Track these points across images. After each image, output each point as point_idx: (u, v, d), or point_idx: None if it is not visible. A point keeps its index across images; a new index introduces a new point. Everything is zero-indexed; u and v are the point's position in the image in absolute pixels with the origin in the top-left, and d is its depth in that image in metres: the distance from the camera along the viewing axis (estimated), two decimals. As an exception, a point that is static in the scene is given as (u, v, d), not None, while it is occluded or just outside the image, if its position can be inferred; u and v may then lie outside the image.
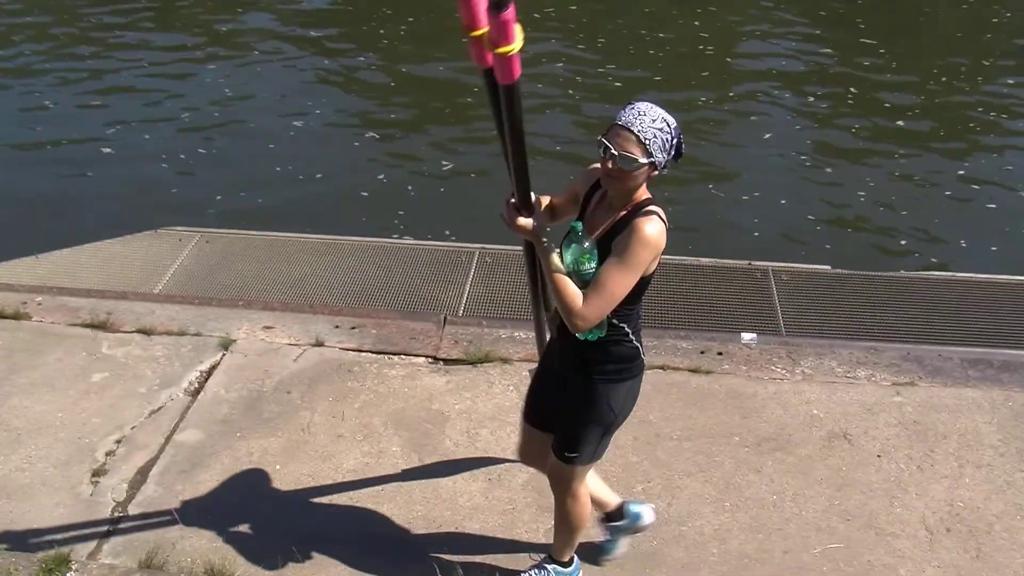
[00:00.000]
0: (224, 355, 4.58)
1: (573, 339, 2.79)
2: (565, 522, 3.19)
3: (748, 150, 8.19)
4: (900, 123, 8.82)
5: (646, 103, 2.53)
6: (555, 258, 2.63)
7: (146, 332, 4.74)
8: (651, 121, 2.46)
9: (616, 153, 2.47)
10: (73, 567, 3.32)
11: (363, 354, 4.64)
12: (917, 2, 12.04)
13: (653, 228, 2.53)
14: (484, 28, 2.18)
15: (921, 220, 7.21)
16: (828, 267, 5.79)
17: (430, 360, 4.60)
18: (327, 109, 8.93)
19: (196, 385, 4.39)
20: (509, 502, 3.77)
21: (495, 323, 4.84)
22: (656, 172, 2.55)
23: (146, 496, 3.79)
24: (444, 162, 7.96)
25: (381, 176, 7.62)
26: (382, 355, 4.63)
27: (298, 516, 3.70)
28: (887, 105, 9.12)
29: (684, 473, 3.92)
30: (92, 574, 3.30)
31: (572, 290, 2.58)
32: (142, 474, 3.89)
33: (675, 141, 2.53)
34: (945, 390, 4.43)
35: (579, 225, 2.74)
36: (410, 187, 7.45)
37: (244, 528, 3.64)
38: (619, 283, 2.55)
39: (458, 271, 5.52)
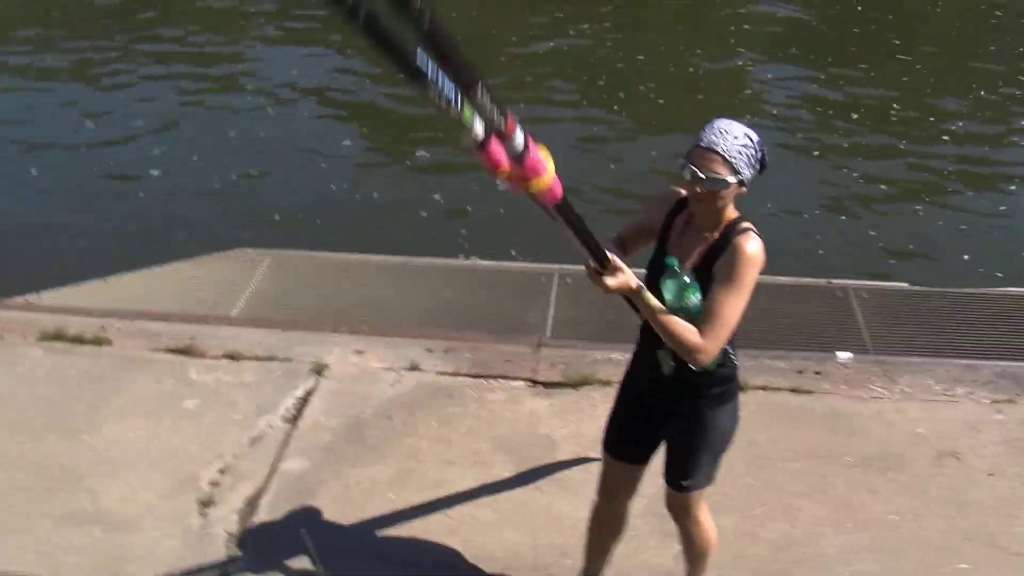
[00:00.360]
0: (318, 381, 4.47)
1: (677, 371, 2.70)
2: (693, 549, 3.13)
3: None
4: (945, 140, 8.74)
5: (725, 119, 2.46)
6: (655, 301, 2.52)
7: (233, 357, 4.63)
8: (734, 138, 2.41)
9: (704, 176, 2.41)
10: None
11: (460, 378, 4.54)
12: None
13: (755, 246, 2.47)
14: (507, 168, 2.02)
15: (981, 236, 7.16)
16: (906, 284, 5.71)
17: (529, 384, 4.51)
18: (375, 128, 8.83)
19: (293, 412, 4.28)
20: (632, 528, 3.66)
21: (590, 345, 4.74)
22: (743, 189, 2.48)
23: (258, 527, 3.67)
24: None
25: (436, 196, 7.51)
26: (480, 379, 4.53)
27: (417, 547, 3.59)
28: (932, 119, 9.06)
29: (799, 494, 3.84)
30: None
31: (684, 328, 2.48)
32: (251, 504, 3.78)
33: (760, 155, 2.48)
34: (1045, 407, 4.35)
35: (674, 261, 2.63)
36: (469, 206, 7.34)
37: (362, 561, 3.53)
38: (734, 309, 2.47)
39: (539, 293, 5.42)
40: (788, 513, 3.74)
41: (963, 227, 7.35)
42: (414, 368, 4.58)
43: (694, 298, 2.56)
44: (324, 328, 4.89)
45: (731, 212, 2.54)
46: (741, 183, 2.44)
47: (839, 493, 3.85)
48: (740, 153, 2.39)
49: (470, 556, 3.53)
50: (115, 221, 7.07)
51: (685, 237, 2.62)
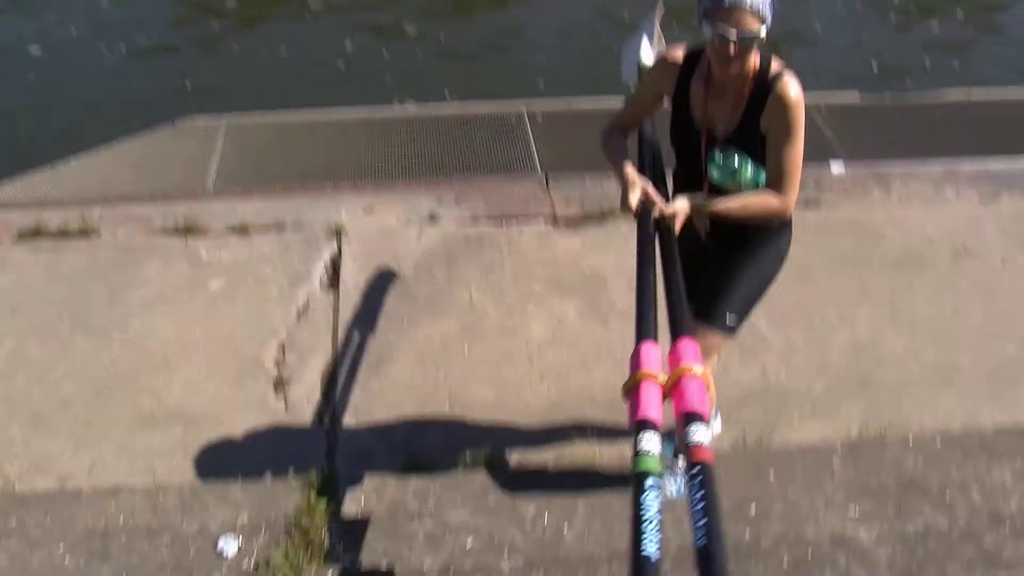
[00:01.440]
0: (340, 243, 4.26)
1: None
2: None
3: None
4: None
5: None
6: (722, 204, 2.49)
7: (241, 231, 4.33)
8: None
9: (736, 38, 2.23)
10: (339, 485, 3.06)
11: (482, 224, 4.43)
12: None
13: (796, 89, 2.38)
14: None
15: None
16: (858, 92, 5.90)
17: (551, 222, 4.44)
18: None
19: (329, 277, 4.07)
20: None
21: (595, 176, 4.67)
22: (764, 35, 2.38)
23: (346, 399, 3.52)
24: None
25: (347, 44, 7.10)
26: (501, 223, 4.43)
27: (513, 396, 3.55)
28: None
29: (851, 301, 4.02)
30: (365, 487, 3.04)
31: (760, 202, 2.49)
32: (328, 378, 3.61)
33: None
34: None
35: (718, 155, 2.53)
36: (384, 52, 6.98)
37: (467, 415, 3.46)
38: (798, 155, 2.44)
39: (512, 131, 5.28)
40: (847, 319, 3.92)
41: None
42: (433, 219, 4.43)
43: (748, 170, 2.51)
44: (324, 189, 4.63)
45: (756, 60, 2.40)
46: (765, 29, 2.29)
47: (884, 295, 4.06)
48: (764, 1, 2.24)
49: (571, 401, 3.52)
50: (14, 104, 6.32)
51: (711, 99, 2.49)
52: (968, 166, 4.98)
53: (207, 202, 4.51)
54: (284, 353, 3.71)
